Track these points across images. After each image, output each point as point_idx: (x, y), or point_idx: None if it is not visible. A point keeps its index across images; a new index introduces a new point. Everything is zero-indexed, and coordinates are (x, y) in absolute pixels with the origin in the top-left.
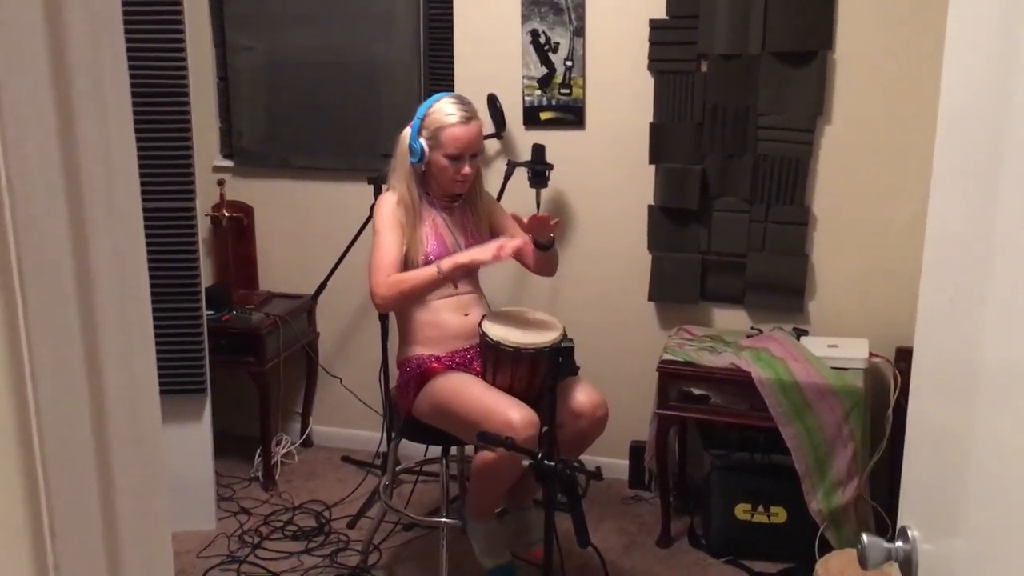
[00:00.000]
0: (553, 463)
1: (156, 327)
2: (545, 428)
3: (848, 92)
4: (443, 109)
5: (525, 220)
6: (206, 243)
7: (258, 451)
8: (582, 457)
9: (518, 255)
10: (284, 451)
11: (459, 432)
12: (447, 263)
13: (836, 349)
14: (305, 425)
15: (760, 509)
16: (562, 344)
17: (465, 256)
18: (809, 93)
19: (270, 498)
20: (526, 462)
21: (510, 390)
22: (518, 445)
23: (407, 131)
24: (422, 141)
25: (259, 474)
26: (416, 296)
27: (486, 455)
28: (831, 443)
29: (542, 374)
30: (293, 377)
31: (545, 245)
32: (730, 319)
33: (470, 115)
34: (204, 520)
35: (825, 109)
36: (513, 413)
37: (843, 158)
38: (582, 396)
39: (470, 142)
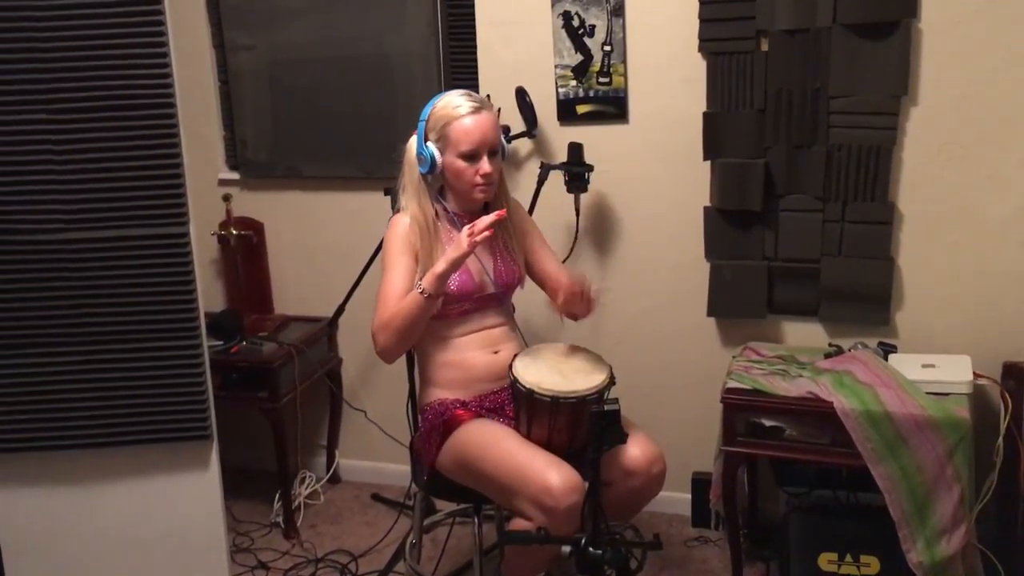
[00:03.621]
0: (600, 551)
1: (151, 368)
2: (589, 501)
3: (937, 67)
4: (448, 103)
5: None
6: (215, 264)
7: (278, 494)
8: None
9: (541, 282)
10: (308, 491)
11: (489, 494)
12: (427, 278)
13: (933, 370)
14: (331, 460)
15: (848, 559)
16: (605, 407)
17: (441, 262)
18: (890, 70)
19: (291, 548)
20: (567, 549)
21: (548, 445)
22: (553, 536)
23: (412, 140)
24: (430, 146)
25: (279, 520)
26: (412, 329)
27: (522, 524)
28: (932, 485)
29: (586, 424)
30: (315, 407)
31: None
32: (803, 334)
33: (480, 104)
34: None
35: (910, 88)
36: (552, 476)
37: (933, 144)
38: (635, 449)
39: (484, 133)
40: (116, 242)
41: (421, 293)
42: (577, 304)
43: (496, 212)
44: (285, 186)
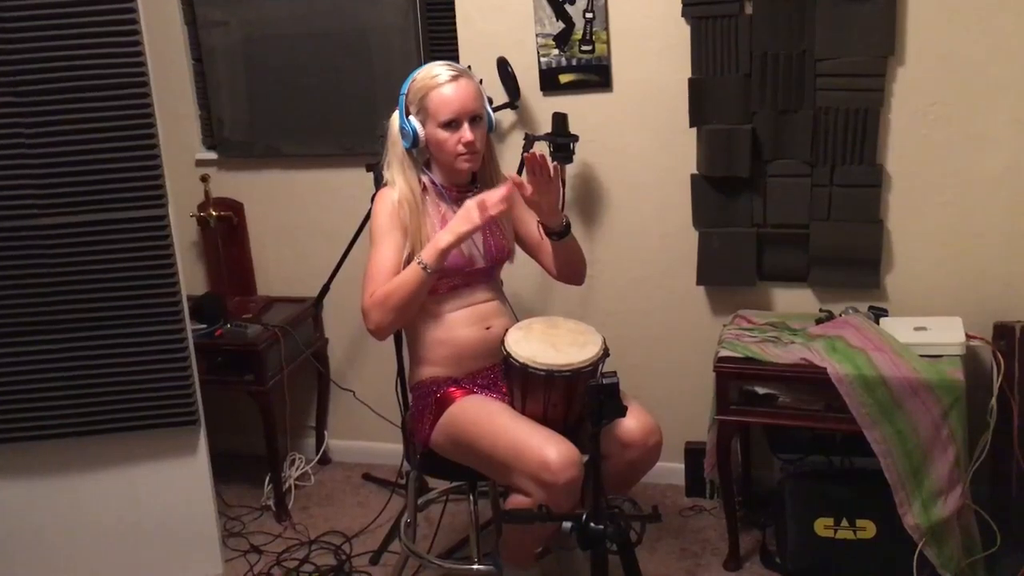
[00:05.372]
0: (602, 526)
1: (134, 354)
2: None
3: (924, 25)
4: (427, 73)
5: (525, 183)
6: (195, 247)
7: (268, 477)
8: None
9: (533, 251)
10: (299, 473)
11: (485, 472)
12: (428, 252)
13: (925, 333)
14: (320, 441)
15: (844, 523)
16: (604, 380)
17: (445, 235)
18: (876, 29)
19: (284, 531)
20: (567, 525)
21: (544, 419)
22: (555, 513)
23: (395, 115)
24: (411, 119)
25: (270, 503)
26: (410, 305)
27: (520, 500)
28: (927, 447)
29: (581, 397)
30: (303, 389)
31: (558, 231)
32: (794, 300)
33: (459, 73)
34: (209, 564)
35: (897, 47)
36: (549, 450)
37: (921, 104)
38: (630, 421)
39: (463, 101)
40: (93, 226)
41: (422, 267)
42: (542, 180)
43: (506, 186)
44: (264, 165)
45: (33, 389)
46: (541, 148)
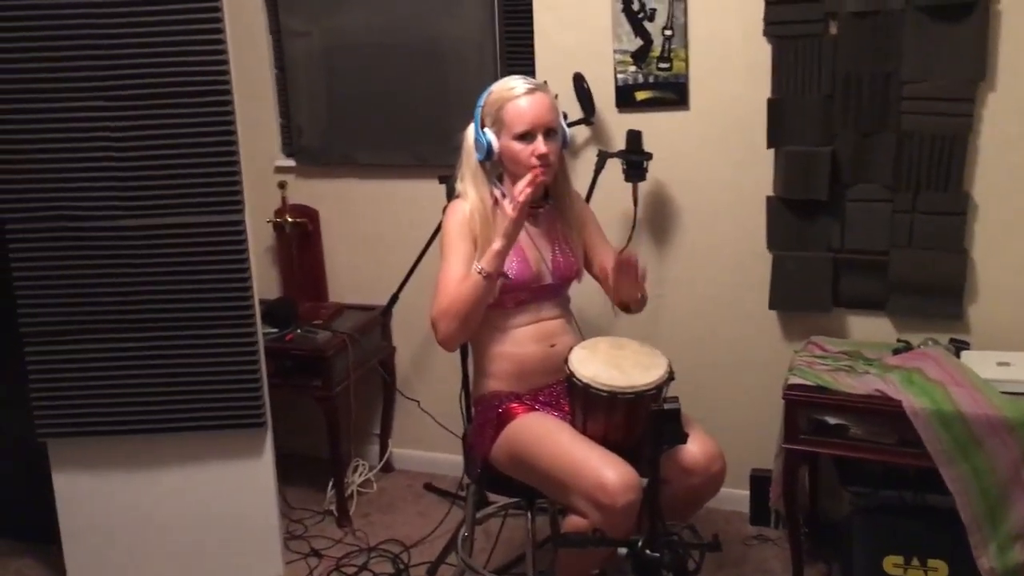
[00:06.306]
0: (658, 554)
1: (206, 355)
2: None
3: (1017, 50)
4: (504, 85)
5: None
6: (270, 252)
7: (331, 482)
8: None
9: (597, 276)
10: (361, 479)
11: (543, 490)
12: (485, 257)
13: (1009, 368)
14: (384, 448)
15: (915, 563)
16: (665, 406)
17: (497, 240)
18: (966, 53)
19: (344, 536)
20: (623, 550)
21: (604, 440)
22: (608, 538)
23: (470, 127)
24: (486, 131)
25: (332, 507)
26: (473, 314)
27: (577, 521)
28: (1006, 488)
29: (644, 420)
30: (369, 395)
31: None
32: (870, 329)
33: (535, 86)
34: (271, 565)
35: (988, 72)
36: (608, 473)
37: (1011, 131)
38: (693, 446)
39: (538, 113)
40: (172, 230)
41: (480, 273)
42: (627, 277)
43: (532, 172)
44: (340, 173)
45: (107, 386)
46: (614, 165)
